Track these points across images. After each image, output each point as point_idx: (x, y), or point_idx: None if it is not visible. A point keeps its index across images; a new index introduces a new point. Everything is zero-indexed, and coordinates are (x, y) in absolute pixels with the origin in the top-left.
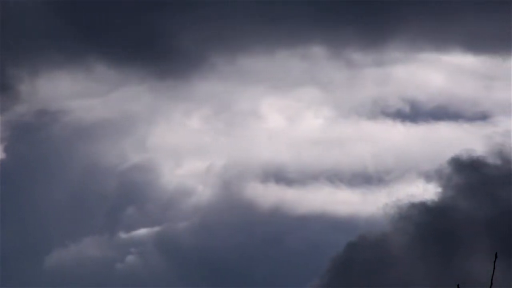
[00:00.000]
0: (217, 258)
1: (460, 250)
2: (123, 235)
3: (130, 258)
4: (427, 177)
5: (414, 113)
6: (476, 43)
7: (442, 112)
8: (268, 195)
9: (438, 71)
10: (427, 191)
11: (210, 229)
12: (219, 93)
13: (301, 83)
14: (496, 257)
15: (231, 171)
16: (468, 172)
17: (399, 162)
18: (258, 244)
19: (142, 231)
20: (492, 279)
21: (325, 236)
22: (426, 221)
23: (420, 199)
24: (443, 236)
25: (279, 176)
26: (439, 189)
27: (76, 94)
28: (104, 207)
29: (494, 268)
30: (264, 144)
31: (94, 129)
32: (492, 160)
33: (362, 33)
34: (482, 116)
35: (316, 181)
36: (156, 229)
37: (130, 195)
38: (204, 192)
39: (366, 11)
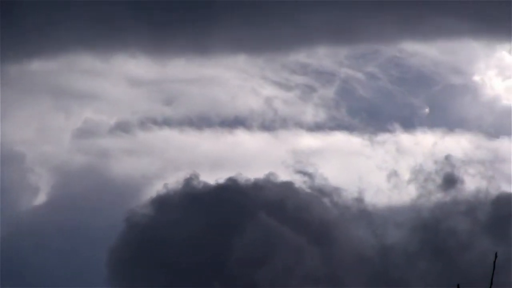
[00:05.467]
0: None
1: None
2: None
3: None
4: None
5: (215, 123)
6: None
7: (236, 123)
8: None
9: (223, 85)
10: None
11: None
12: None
13: (89, 95)
14: (496, 256)
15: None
16: None
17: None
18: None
19: None
20: (492, 279)
21: None
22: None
23: None
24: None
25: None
26: None
27: None
28: None
29: (494, 268)
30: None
31: None
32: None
33: (146, 49)
34: (272, 127)
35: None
36: None
37: None
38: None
39: (150, 29)
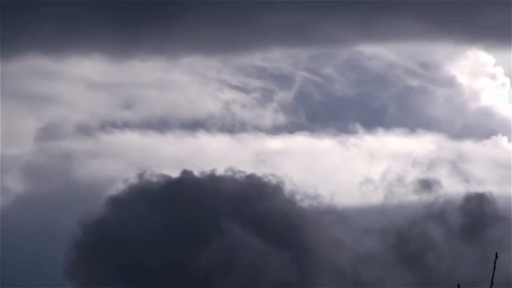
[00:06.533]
0: None
1: None
2: None
3: None
4: None
5: (175, 126)
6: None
7: (197, 126)
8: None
9: (181, 88)
10: None
11: None
12: None
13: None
14: (496, 256)
15: None
16: None
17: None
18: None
19: None
20: (492, 279)
21: None
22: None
23: None
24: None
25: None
26: None
27: None
28: None
29: (494, 268)
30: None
31: None
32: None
33: (104, 52)
34: (232, 130)
35: None
36: None
37: None
38: None
39: (108, 32)
